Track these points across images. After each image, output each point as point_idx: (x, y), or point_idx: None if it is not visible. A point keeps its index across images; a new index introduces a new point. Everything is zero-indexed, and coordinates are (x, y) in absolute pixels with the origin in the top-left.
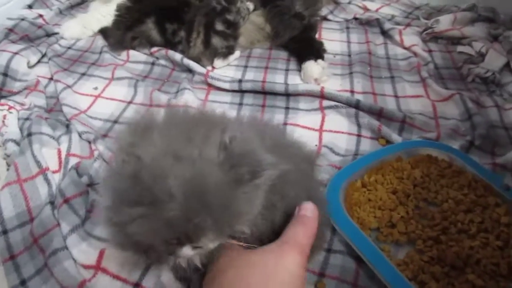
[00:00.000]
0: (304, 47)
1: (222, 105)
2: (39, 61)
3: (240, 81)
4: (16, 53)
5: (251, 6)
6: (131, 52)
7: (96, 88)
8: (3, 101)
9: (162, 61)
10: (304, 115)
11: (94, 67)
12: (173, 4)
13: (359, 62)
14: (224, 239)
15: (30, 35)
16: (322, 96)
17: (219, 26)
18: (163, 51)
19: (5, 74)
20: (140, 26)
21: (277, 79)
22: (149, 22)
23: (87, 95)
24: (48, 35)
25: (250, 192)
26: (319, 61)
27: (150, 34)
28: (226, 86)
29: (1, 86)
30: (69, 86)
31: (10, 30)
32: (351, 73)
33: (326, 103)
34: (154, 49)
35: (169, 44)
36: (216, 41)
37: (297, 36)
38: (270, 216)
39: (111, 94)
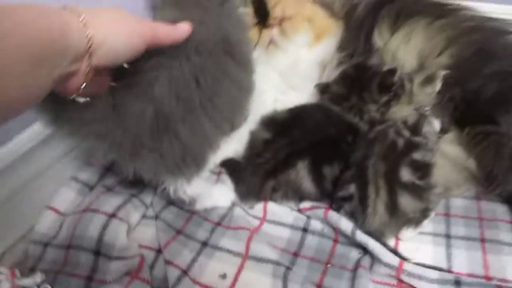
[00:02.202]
0: None
1: None
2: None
3: (457, 282)
4: (112, 216)
5: (436, 124)
6: (270, 206)
7: (224, 276)
8: None
9: (317, 224)
10: None
11: (220, 230)
12: (330, 132)
13: None
14: None
15: None
16: None
17: (406, 175)
18: (320, 211)
19: (97, 252)
20: (287, 172)
21: (510, 269)
22: (302, 167)
23: None
24: None
25: None
26: None
27: (301, 184)
28: None
29: (90, 273)
30: (184, 272)
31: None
32: None
33: None
34: (305, 204)
35: (327, 197)
36: (405, 201)
37: None
38: None
39: None
